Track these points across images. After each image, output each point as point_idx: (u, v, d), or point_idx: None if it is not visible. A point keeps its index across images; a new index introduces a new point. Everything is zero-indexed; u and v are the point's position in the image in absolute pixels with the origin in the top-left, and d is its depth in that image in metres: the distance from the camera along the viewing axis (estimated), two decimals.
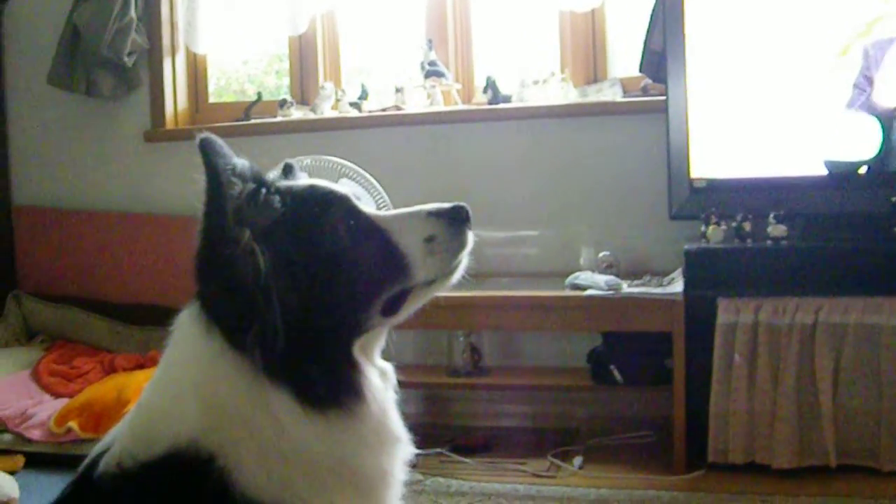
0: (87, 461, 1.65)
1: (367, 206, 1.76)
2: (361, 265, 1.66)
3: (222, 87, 5.78)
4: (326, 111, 5.06)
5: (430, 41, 4.93)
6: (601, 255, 4.34)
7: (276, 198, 1.64)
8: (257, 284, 1.55)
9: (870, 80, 3.88)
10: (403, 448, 1.73)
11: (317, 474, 1.58)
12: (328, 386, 1.60)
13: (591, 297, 4.03)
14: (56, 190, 5.54)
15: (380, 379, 1.73)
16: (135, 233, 5.27)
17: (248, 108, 5.25)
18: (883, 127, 3.84)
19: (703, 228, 4.01)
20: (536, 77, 4.82)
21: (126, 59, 5.09)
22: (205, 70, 5.49)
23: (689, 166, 4.07)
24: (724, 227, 3.97)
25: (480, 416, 4.81)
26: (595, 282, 4.08)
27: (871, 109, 3.87)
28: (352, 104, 5.10)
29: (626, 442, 4.33)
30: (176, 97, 5.37)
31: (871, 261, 3.76)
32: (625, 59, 4.81)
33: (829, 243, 3.84)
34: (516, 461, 4.11)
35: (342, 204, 1.70)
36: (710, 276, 3.89)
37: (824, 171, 3.94)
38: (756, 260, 3.90)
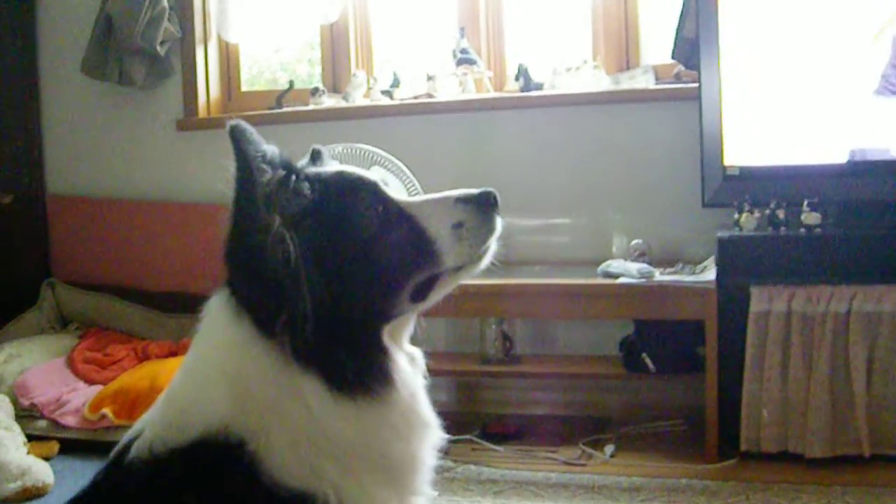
0: (118, 447, 1.65)
1: (395, 192, 1.75)
2: (390, 251, 1.66)
3: (254, 75, 5.79)
4: (358, 99, 5.07)
5: (461, 29, 4.93)
6: (633, 242, 4.33)
7: (306, 185, 1.64)
8: (287, 271, 1.55)
9: None
10: (433, 433, 1.73)
11: (346, 459, 1.59)
12: (357, 371, 1.60)
13: (623, 286, 4.02)
14: (89, 179, 5.57)
15: (409, 364, 1.73)
16: (167, 221, 5.30)
17: (279, 97, 5.26)
18: None
19: (736, 216, 3.99)
20: (569, 64, 4.80)
21: (159, 48, 5.11)
22: (237, 59, 5.50)
23: (722, 154, 4.05)
24: (757, 214, 3.95)
25: (512, 403, 4.81)
26: (627, 270, 4.07)
27: None
28: (383, 92, 5.10)
29: (657, 430, 4.32)
30: (208, 86, 5.38)
31: None
32: (657, 45, 4.78)
33: (863, 231, 3.81)
34: (548, 449, 4.11)
35: (371, 190, 1.70)
36: (743, 264, 3.87)
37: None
38: (789, 248, 3.88)
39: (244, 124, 1.58)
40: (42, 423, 4.27)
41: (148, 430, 1.61)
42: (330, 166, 1.80)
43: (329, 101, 5.14)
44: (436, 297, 1.76)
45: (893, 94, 3.84)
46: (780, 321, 3.75)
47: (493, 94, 4.94)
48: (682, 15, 4.29)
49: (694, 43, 4.20)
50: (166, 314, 5.08)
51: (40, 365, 4.61)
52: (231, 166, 1.58)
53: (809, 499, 3.44)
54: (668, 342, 4.17)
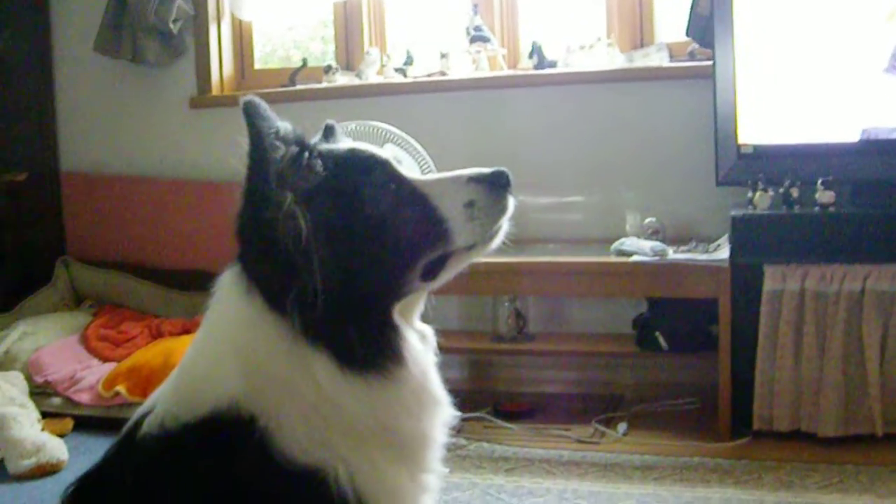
0: (130, 422, 1.66)
1: (408, 170, 1.75)
2: (401, 229, 1.66)
3: (268, 53, 5.78)
4: (371, 77, 5.06)
5: (475, 6, 4.90)
6: (647, 220, 4.32)
7: (318, 162, 1.64)
8: (298, 247, 1.55)
9: None
10: (444, 410, 1.74)
11: (357, 436, 1.59)
12: (368, 348, 1.60)
13: (636, 264, 4.01)
14: (103, 156, 5.58)
15: (420, 342, 1.73)
16: (181, 199, 5.30)
17: (293, 75, 5.25)
18: None
19: (749, 194, 3.97)
20: (582, 42, 4.78)
21: (172, 25, 5.10)
22: (250, 36, 5.49)
23: (736, 132, 4.03)
24: (771, 193, 3.93)
25: (525, 381, 4.81)
26: (641, 248, 4.06)
27: None
28: (397, 70, 5.09)
29: (670, 409, 4.32)
30: (222, 64, 5.38)
31: None
32: (672, 23, 4.76)
33: (877, 210, 3.79)
34: (560, 427, 4.11)
35: (383, 168, 1.70)
36: (756, 242, 3.86)
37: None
38: (803, 226, 3.86)
39: (258, 100, 1.59)
40: (56, 401, 4.29)
41: (159, 405, 1.62)
42: (343, 143, 1.80)
43: (342, 79, 5.12)
44: (447, 275, 1.75)
45: None
46: (793, 300, 3.74)
47: (506, 72, 4.92)
48: None
49: (708, 20, 4.18)
50: (180, 291, 5.09)
51: (54, 342, 4.63)
52: (244, 143, 1.58)
53: (822, 477, 3.44)
54: (681, 320, 4.16)
